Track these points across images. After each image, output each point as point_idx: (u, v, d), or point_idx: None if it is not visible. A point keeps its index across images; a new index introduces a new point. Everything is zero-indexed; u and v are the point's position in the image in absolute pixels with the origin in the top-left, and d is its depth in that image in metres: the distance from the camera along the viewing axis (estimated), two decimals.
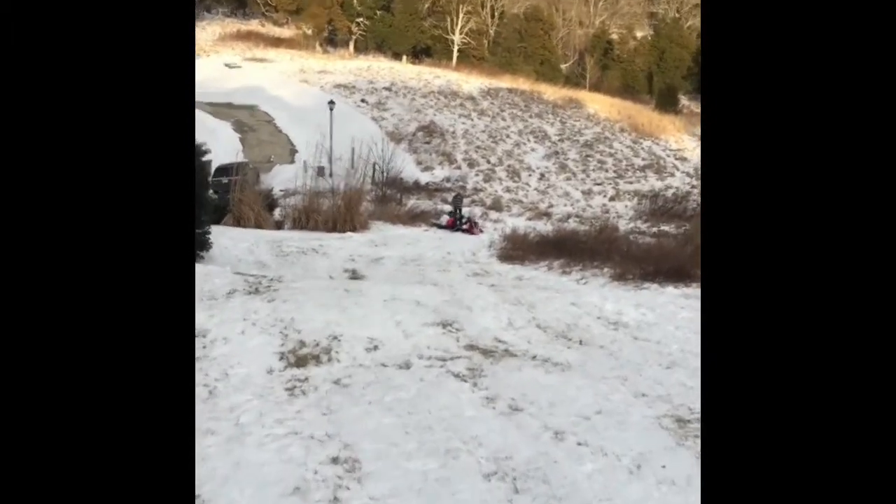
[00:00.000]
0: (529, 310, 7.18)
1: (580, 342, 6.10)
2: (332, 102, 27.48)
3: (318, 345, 5.21)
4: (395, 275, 10.09)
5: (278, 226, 16.97)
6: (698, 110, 48.29)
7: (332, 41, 57.65)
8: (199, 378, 4.27)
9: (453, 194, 22.43)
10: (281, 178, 24.40)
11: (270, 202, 18.10)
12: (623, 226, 20.61)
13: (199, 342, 4.93)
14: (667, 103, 48.97)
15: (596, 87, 54.67)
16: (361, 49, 55.20)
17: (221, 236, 11.63)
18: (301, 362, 4.89)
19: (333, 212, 16.98)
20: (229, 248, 11.15)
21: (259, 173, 25.10)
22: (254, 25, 60.37)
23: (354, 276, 9.88)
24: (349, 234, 16.15)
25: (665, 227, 20.66)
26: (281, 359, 4.92)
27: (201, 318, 5.31)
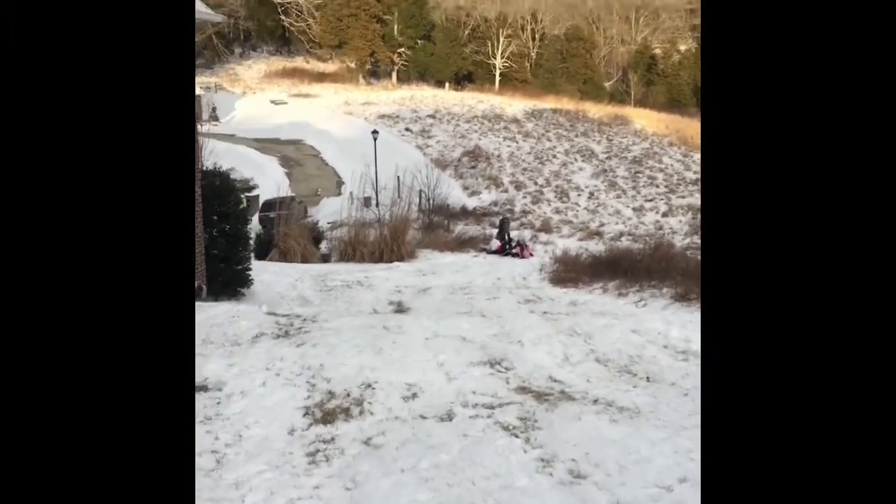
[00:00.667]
0: (587, 340, 6.63)
1: (647, 378, 5.56)
2: (375, 132, 27.37)
3: (348, 395, 4.76)
4: (442, 305, 9.61)
5: (325, 259, 16.72)
6: None
7: (374, 73, 58.26)
8: (208, 442, 3.80)
9: (500, 218, 21.92)
10: (328, 211, 24.32)
11: (316, 235, 17.88)
12: (679, 242, 19.80)
13: (212, 397, 4.49)
14: None
15: (641, 103, 53.99)
16: (404, 79, 55.60)
17: (264, 272, 11.36)
18: (328, 418, 4.41)
19: (379, 242, 16.65)
20: (271, 285, 10.85)
21: (306, 207, 25.06)
22: (298, 62, 61.40)
23: (399, 308, 9.43)
24: (396, 263, 15.78)
25: None
26: (305, 414, 4.44)
27: (218, 369, 4.91)
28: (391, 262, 16.05)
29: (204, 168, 9.42)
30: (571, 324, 7.40)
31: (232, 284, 9.44)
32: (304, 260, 15.42)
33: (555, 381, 5.35)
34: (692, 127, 39.39)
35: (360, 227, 17.68)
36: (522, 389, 5.06)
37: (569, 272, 14.37)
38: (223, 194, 9.59)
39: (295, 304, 9.35)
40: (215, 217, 9.25)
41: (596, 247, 19.33)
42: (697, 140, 35.54)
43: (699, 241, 20.25)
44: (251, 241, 12.01)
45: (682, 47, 65.01)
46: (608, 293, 10.91)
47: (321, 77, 55.60)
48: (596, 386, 5.28)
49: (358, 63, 55.38)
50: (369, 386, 4.91)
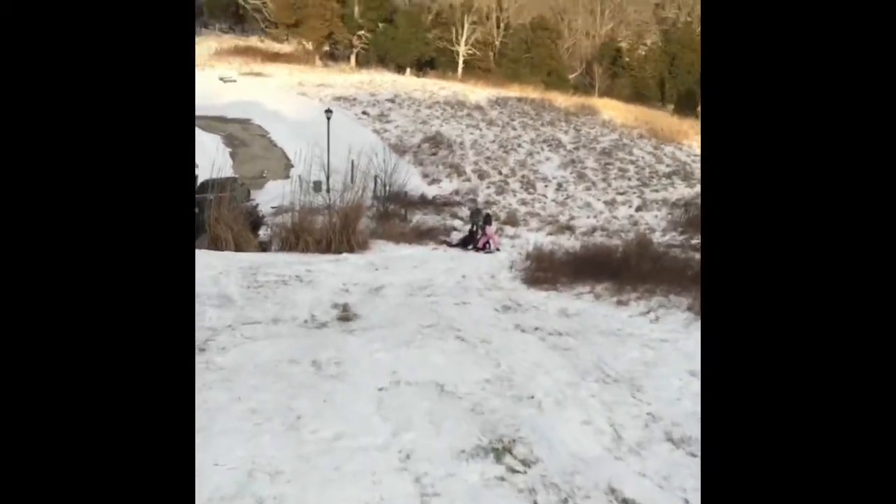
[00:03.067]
0: (634, 394, 4.74)
1: None
2: (329, 111, 25.22)
3: None
4: (400, 313, 7.67)
5: (263, 248, 14.60)
6: None
7: (332, 55, 56.02)
8: None
9: (471, 208, 20.05)
10: (274, 195, 22.08)
11: (255, 220, 15.74)
12: (657, 238, 18.19)
13: None
14: (686, 108, 46.78)
15: (605, 96, 52.93)
16: (363, 63, 53.55)
17: None
18: None
19: (327, 230, 14.61)
20: None
21: (249, 190, 22.84)
22: (252, 41, 58.58)
23: (344, 315, 7.45)
24: (345, 255, 13.77)
25: None
26: None
27: None
28: (340, 252, 14.04)
29: None
30: (591, 356, 5.63)
31: None
32: (238, 248, 13.29)
33: (622, 497, 3.19)
34: (661, 119, 38.24)
35: (306, 213, 15.56)
36: None
37: (544, 271, 12.57)
38: None
39: (210, 304, 7.31)
40: None
41: (568, 242, 17.61)
42: (668, 133, 34.29)
43: (679, 239, 18.80)
44: None
45: (648, 41, 64.30)
46: (602, 300, 9.12)
47: (275, 57, 52.85)
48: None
49: (315, 44, 52.99)
50: None
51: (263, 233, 15.89)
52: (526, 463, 3.52)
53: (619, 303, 8.77)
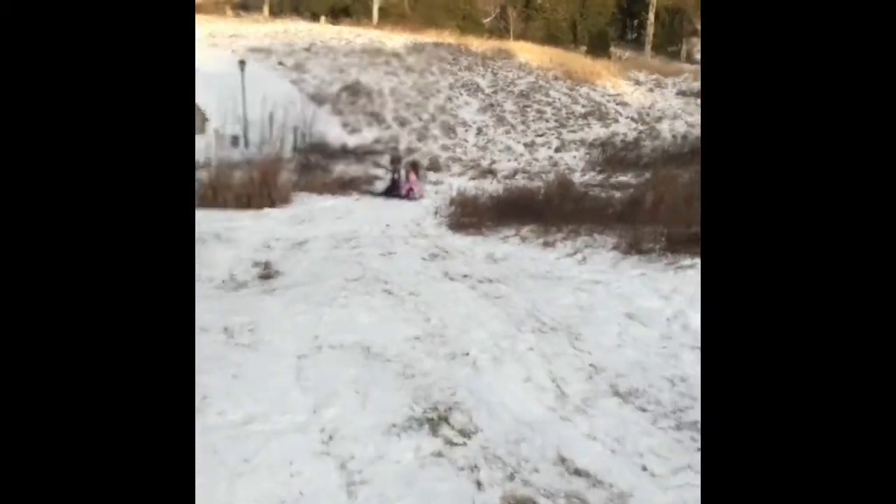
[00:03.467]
0: (574, 343, 4.70)
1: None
2: (242, 62, 24.36)
3: None
4: (324, 267, 7.65)
5: None
6: (629, 55, 46.73)
7: (244, 6, 53.80)
8: None
9: (392, 155, 19.91)
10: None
11: None
12: (577, 179, 18.52)
13: None
14: (598, 49, 47.24)
15: (520, 39, 52.83)
16: (277, 12, 51.61)
17: None
18: None
19: (247, 185, 14.32)
20: None
21: None
22: None
23: (266, 273, 7.40)
24: (267, 210, 13.58)
25: (622, 178, 18.68)
26: None
27: None
28: (261, 208, 13.82)
29: None
30: (524, 303, 5.69)
31: None
32: None
33: (576, 471, 3.00)
34: (576, 60, 38.45)
35: (224, 167, 15.18)
36: None
37: (468, 215, 12.72)
38: None
39: None
40: None
41: (491, 186, 17.76)
42: (582, 74, 34.62)
43: (598, 178, 19.20)
44: None
45: None
46: (528, 242, 9.29)
47: None
48: (660, 470, 3.05)
49: None
50: None
51: None
52: (465, 433, 3.34)
53: (546, 244, 8.96)
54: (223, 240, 9.42)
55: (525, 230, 10.42)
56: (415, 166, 17.95)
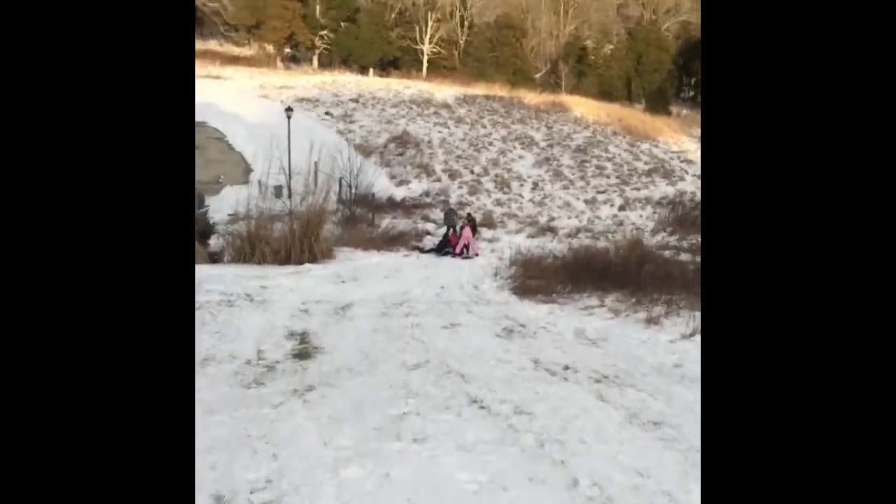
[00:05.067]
0: None
1: None
2: (289, 109, 23.45)
3: None
4: (374, 343, 6.09)
5: (213, 259, 12.91)
6: (686, 112, 45.23)
7: (294, 58, 54.25)
8: None
9: (444, 209, 18.50)
10: (231, 202, 20.28)
11: (204, 229, 14.00)
12: (647, 240, 16.82)
13: None
14: (657, 105, 45.86)
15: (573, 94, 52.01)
16: (326, 64, 51.94)
17: None
18: None
19: (287, 238, 12.96)
20: None
21: (203, 196, 21.01)
22: (211, 45, 56.24)
23: (302, 350, 5.85)
24: (308, 266, 12.17)
25: (697, 239, 16.92)
26: None
27: None
28: (301, 263, 12.43)
29: None
30: (689, 427, 3.94)
31: None
32: None
33: None
34: (634, 116, 37.15)
35: (265, 219, 13.86)
36: None
37: (533, 278, 11.10)
38: None
39: None
40: None
41: (551, 244, 16.18)
42: (642, 129, 33.19)
43: (671, 240, 17.51)
44: None
45: (613, 39, 63.57)
46: (622, 316, 7.61)
47: (235, 60, 50.74)
48: None
49: (276, 46, 51.15)
50: None
51: (214, 242, 14.18)
52: None
53: (649, 321, 7.27)
54: (255, 301, 7.94)
55: (610, 299, 8.76)
56: (471, 221, 16.49)
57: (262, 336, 6.21)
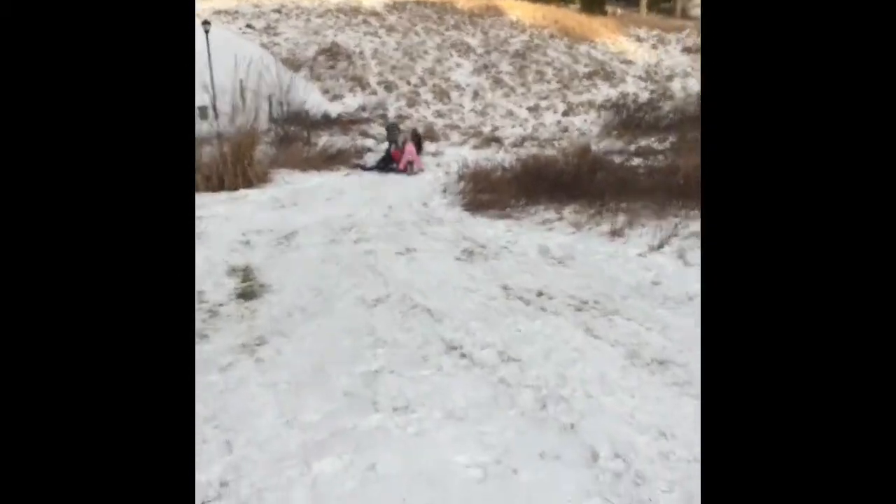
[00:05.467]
0: None
1: None
2: (206, 23, 21.72)
3: None
4: (325, 275, 5.49)
5: None
6: (622, 12, 44.39)
7: None
8: None
9: (385, 123, 17.59)
10: None
11: None
12: (594, 145, 16.36)
13: None
14: (592, 4, 44.72)
15: None
16: None
17: None
18: None
19: (217, 163, 12.03)
20: None
21: None
22: None
23: (246, 289, 5.21)
24: (243, 192, 11.36)
25: (645, 142, 16.57)
26: None
27: None
28: (236, 189, 11.57)
29: None
30: (679, 356, 3.48)
31: None
32: None
33: None
34: (571, 17, 36.08)
35: None
36: None
37: (484, 192, 10.55)
38: None
39: None
40: None
41: (497, 155, 15.56)
42: (579, 31, 32.30)
43: (619, 145, 17.09)
44: None
45: None
46: (583, 229, 7.14)
47: None
48: None
49: None
50: None
51: None
52: None
53: (613, 234, 6.82)
54: None
55: (567, 211, 8.31)
56: (416, 136, 15.70)
57: (201, 274, 5.53)
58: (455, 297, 4.87)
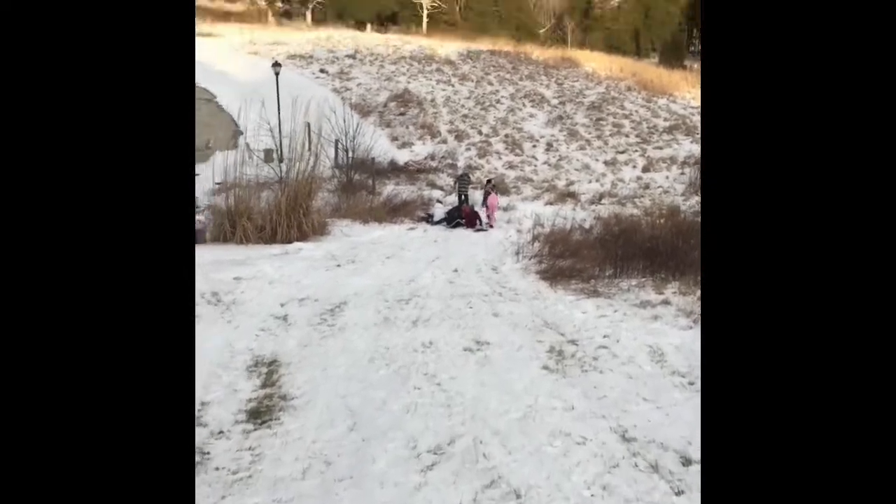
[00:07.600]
0: None
1: None
2: (277, 65, 21.38)
3: None
4: (367, 377, 4.30)
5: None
6: (698, 66, 43.01)
7: (287, 14, 51.79)
8: None
9: (457, 175, 16.54)
10: (221, 168, 18.35)
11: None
12: (680, 205, 14.96)
13: None
14: (671, 58, 43.57)
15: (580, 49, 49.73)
16: (320, 20, 49.44)
17: None
18: None
19: (271, 212, 11.13)
20: None
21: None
22: (201, 0, 53.82)
23: (263, 400, 4.05)
24: (297, 245, 10.38)
25: None
26: None
27: None
28: (289, 241, 10.62)
29: None
30: None
31: None
32: None
33: None
34: (649, 70, 34.98)
35: (250, 189, 11.96)
36: None
37: (563, 257, 9.29)
38: None
39: None
40: None
41: (573, 213, 14.30)
42: (657, 84, 31.04)
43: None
44: None
45: None
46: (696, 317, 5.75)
47: (226, 16, 48.37)
48: None
49: (267, 0, 48.70)
50: None
51: (198, 219, 12.34)
52: None
53: None
54: (221, 304, 6.16)
55: (670, 291, 6.97)
56: (493, 188, 14.62)
57: (214, 371, 4.41)
58: (551, 456, 3.50)
